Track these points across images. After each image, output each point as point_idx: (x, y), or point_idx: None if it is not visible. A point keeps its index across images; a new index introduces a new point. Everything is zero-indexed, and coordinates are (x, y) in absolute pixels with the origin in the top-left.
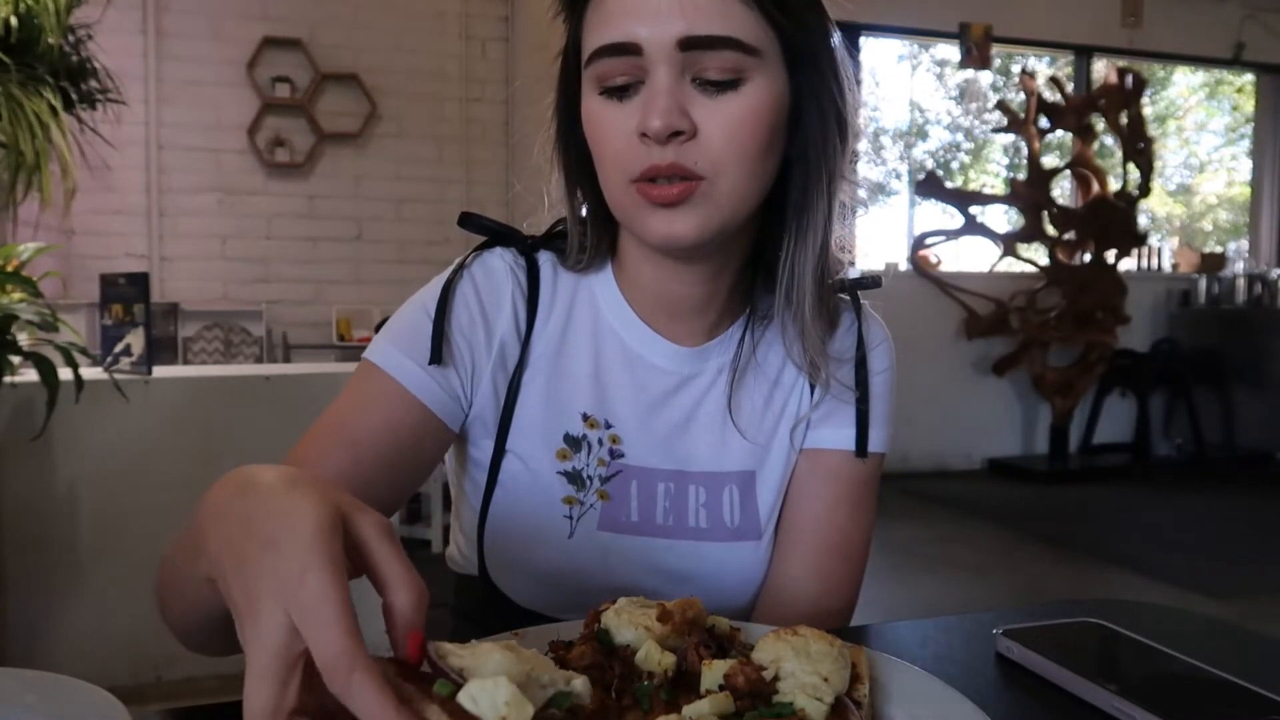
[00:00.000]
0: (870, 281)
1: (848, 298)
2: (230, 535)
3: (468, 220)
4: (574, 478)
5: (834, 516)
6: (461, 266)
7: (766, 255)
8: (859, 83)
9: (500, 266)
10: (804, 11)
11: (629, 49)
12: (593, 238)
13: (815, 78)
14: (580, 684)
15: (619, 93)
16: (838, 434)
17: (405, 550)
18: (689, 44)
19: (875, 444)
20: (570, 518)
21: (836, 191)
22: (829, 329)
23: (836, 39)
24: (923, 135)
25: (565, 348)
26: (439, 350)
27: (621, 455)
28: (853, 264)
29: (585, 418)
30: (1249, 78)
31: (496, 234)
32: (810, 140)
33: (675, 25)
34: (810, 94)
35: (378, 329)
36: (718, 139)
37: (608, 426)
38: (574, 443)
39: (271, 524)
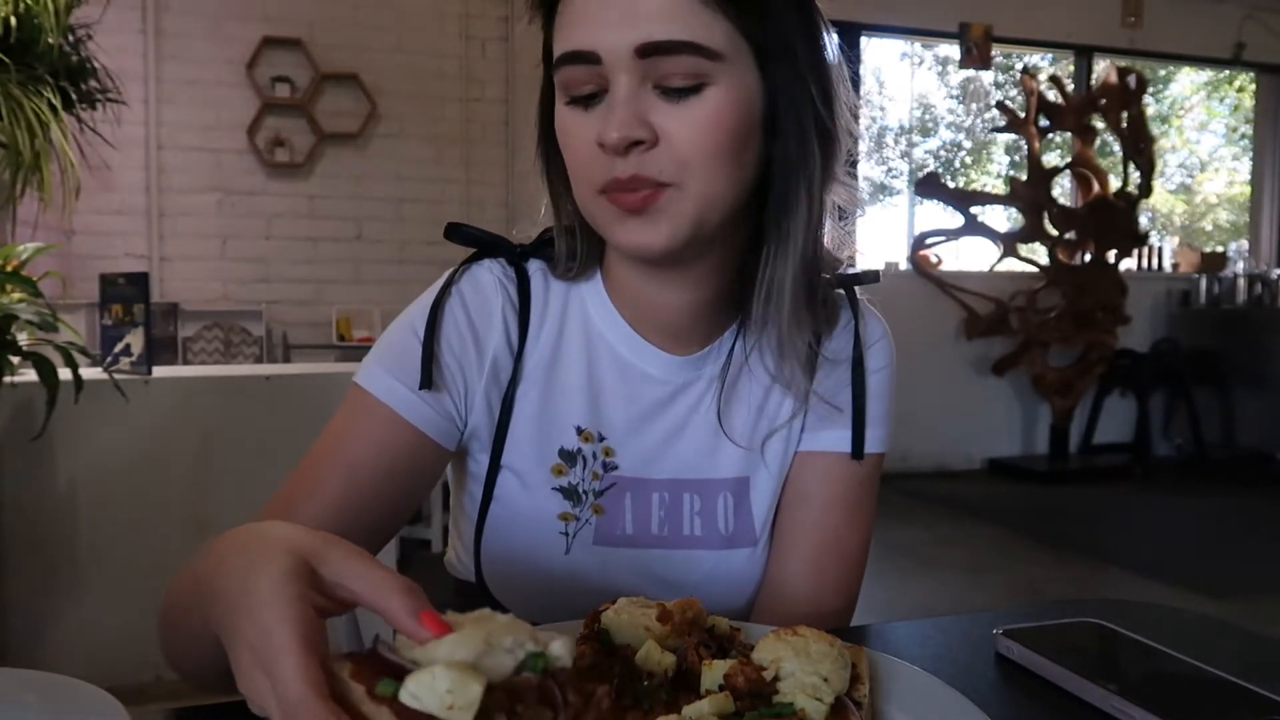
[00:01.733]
0: (868, 277)
1: (844, 294)
2: (220, 610)
3: (455, 232)
4: (569, 493)
5: (829, 519)
6: (450, 283)
7: (755, 263)
8: (853, 81)
9: (489, 280)
10: (779, 11)
11: (588, 57)
12: (581, 246)
13: (790, 78)
14: (559, 645)
15: (584, 101)
16: (833, 436)
17: (405, 550)
18: (647, 50)
19: (872, 444)
20: (566, 534)
21: (819, 196)
22: (828, 327)
23: (823, 36)
24: (926, 133)
25: (558, 359)
26: (429, 374)
27: (615, 467)
28: (852, 263)
29: (579, 431)
30: (1249, 78)
31: (485, 244)
32: (786, 143)
33: (632, 32)
34: (785, 94)
35: (387, 327)
36: (680, 145)
37: (600, 439)
38: (569, 457)
39: (238, 588)
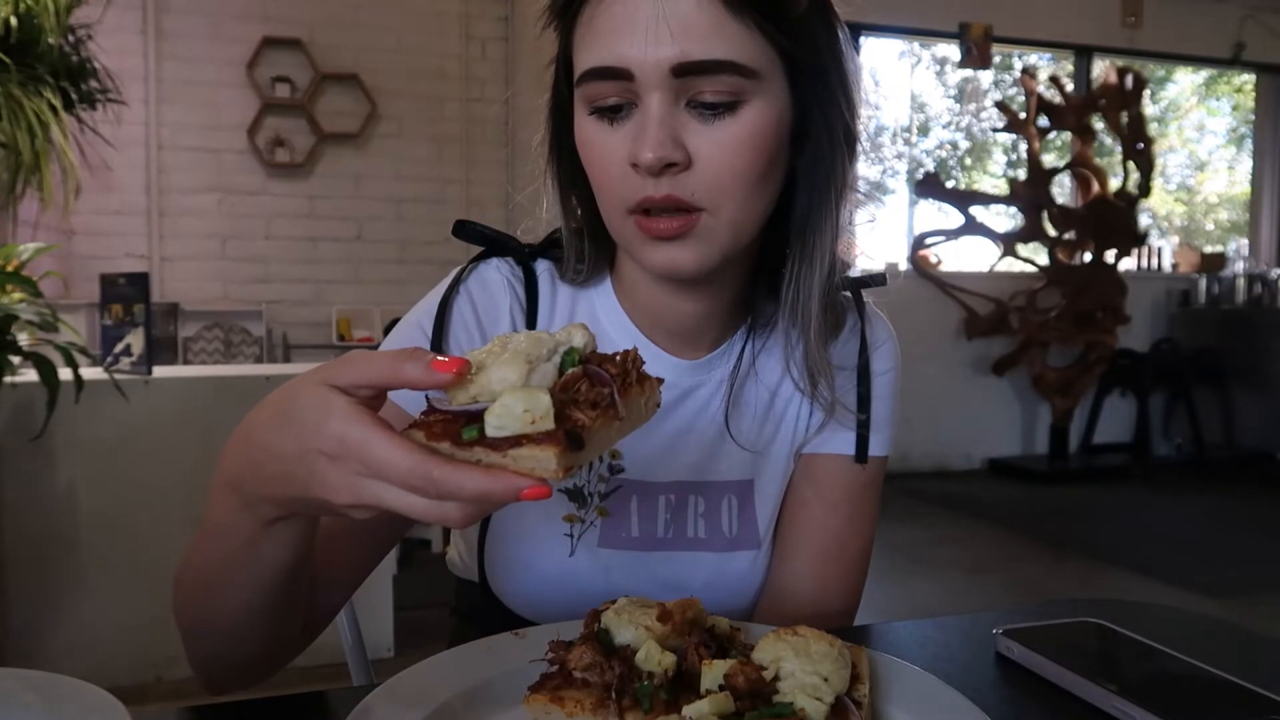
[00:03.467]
0: (875, 279)
1: (850, 295)
2: (281, 465)
3: (463, 229)
4: (574, 495)
5: (831, 522)
6: (458, 281)
7: (767, 265)
8: (860, 85)
9: (497, 279)
10: (809, 24)
11: (619, 73)
12: (590, 250)
13: (822, 93)
14: (580, 335)
15: (610, 114)
16: (836, 439)
17: (405, 549)
18: (684, 70)
19: (876, 448)
20: (571, 535)
21: (842, 208)
22: (835, 333)
23: (845, 46)
24: (924, 132)
25: None
26: None
27: (621, 470)
28: (853, 265)
29: None
30: (1249, 78)
31: (493, 243)
32: (818, 158)
33: (668, 49)
34: (817, 110)
35: (387, 330)
36: (714, 168)
37: None
38: None
39: (286, 433)
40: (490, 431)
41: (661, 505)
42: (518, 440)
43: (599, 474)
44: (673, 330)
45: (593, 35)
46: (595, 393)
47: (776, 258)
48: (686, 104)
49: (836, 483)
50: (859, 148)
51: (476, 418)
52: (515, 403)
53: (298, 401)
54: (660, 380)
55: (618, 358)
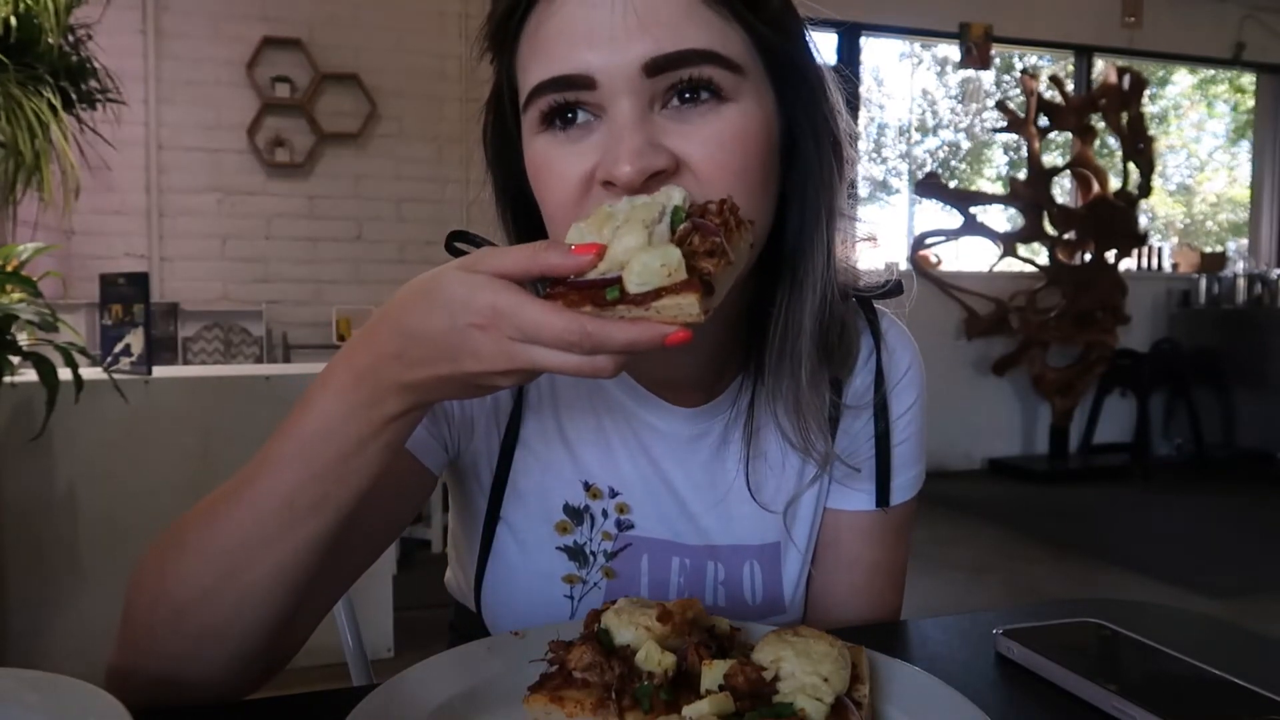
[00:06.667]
0: (890, 289)
1: (862, 314)
2: (423, 349)
3: (459, 240)
4: (575, 553)
5: (864, 575)
6: None
7: (761, 301)
8: (853, 109)
9: None
10: (785, 19)
11: (579, 82)
12: None
13: (806, 97)
14: (678, 194)
15: (566, 120)
16: (861, 494)
17: (405, 549)
18: (657, 66)
19: (902, 493)
20: (571, 598)
21: (835, 230)
22: (846, 369)
23: (818, 52)
24: (925, 131)
25: (562, 406)
26: None
27: (631, 526)
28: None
29: (587, 486)
30: (1249, 78)
31: None
32: (808, 171)
33: (637, 47)
34: (803, 117)
35: None
36: (709, 167)
37: (613, 495)
38: (575, 514)
39: (435, 313)
40: (633, 288)
41: (675, 568)
42: (657, 294)
43: (604, 531)
44: (664, 374)
45: (543, 44)
46: (708, 243)
47: (769, 293)
48: (661, 109)
49: (866, 538)
50: (848, 164)
51: (610, 283)
52: (652, 259)
53: (442, 284)
54: (752, 222)
55: (713, 207)
